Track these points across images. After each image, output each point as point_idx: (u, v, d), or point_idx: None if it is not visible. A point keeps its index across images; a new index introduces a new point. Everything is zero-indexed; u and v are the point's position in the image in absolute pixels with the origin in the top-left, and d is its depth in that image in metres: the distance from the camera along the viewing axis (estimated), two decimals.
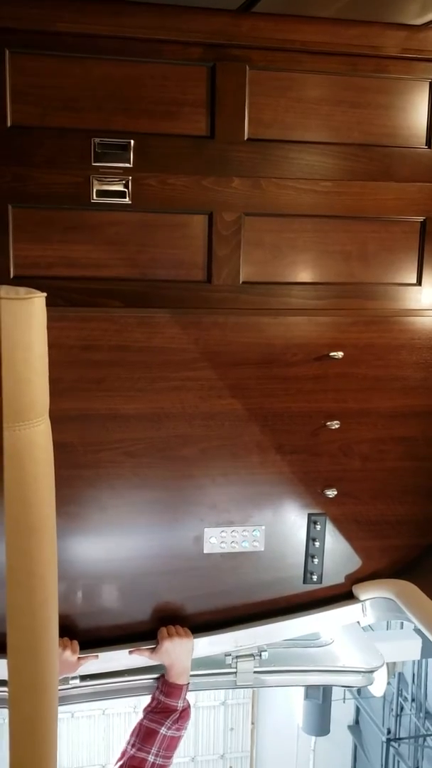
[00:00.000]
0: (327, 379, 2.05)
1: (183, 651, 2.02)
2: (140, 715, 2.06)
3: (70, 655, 1.95)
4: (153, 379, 1.95)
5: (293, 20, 1.85)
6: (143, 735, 1.99)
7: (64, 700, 2.05)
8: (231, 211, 1.92)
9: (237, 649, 2.17)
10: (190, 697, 2.14)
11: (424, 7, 1.82)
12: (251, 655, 2.20)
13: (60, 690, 1.82)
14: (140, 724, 2.02)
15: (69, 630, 2.00)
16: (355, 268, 2.02)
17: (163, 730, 1.99)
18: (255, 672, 2.22)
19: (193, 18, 1.80)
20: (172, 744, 2.01)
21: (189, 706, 2.07)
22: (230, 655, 2.20)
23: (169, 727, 2.01)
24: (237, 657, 2.20)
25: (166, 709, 2.03)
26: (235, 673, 2.21)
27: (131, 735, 2.02)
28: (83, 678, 2.05)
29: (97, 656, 2.01)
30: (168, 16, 1.79)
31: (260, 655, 2.21)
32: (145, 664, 2.05)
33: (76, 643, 1.98)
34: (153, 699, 2.07)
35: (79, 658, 1.97)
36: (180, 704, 2.04)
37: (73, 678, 2.03)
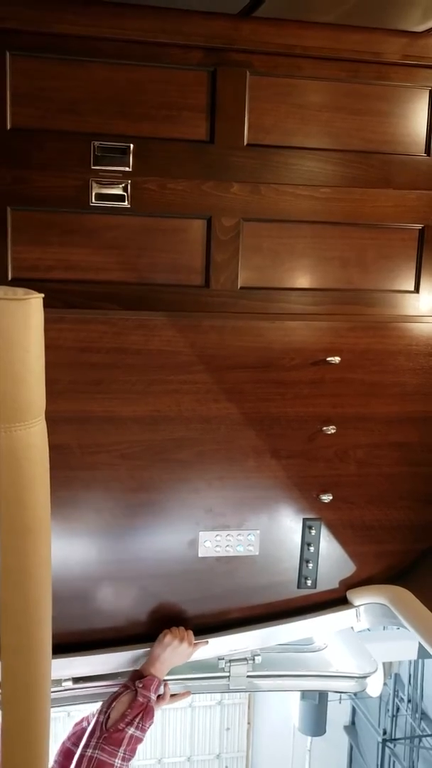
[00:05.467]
0: (324, 384, 2.06)
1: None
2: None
3: (187, 647, 2.00)
4: (150, 381, 1.96)
5: (294, 25, 1.85)
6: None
7: (58, 702, 2.05)
8: (230, 216, 1.92)
9: (231, 653, 2.17)
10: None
11: (425, 13, 1.82)
12: (244, 659, 2.20)
13: (53, 692, 1.82)
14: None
15: (61, 630, 2.00)
16: (353, 275, 2.02)
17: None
18: (248, 676, 2.22)
19: (195, 22, 1.80)
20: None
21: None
22: (223, 658, 2.19)
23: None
24: (230, 661, 2.20)
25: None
26: (228, 677, 2.21)
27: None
28: (77, 680, 2.05)
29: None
30: (169, 19, 1.79)
31: (253, 660, 2.21)
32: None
33: (190, 632, 2.04)
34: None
35: (195, 643, 2.03)
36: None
37: (66, 680, 2.04)
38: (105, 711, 1.87)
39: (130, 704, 1.87)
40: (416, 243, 2.04)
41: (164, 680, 2.02)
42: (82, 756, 1.78)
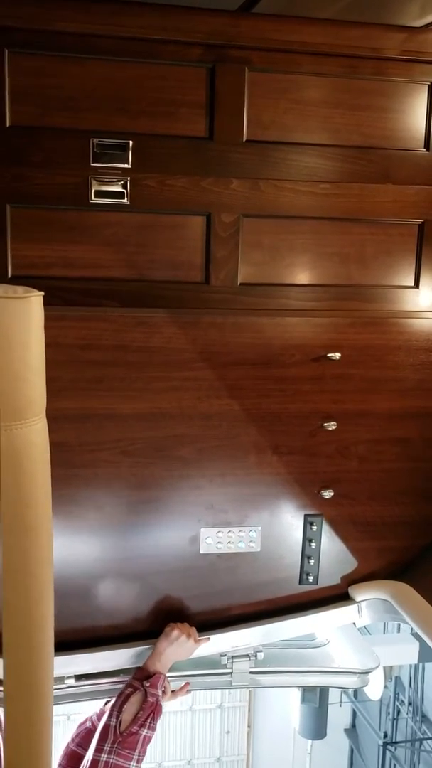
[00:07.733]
0: (324, 380, 2.06)
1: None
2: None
3: (192, 644, 2.00)
4: (151, 379, 1.96)
5: (293, 21, 1.86)
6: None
7: (60, 699, 2.05)
8: (229, 213, 1.92)
9: (233, 650, 2.16)
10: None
11: (423, 9, 1.83)
12: (247, 655, 2.20)
13: (56, 690, 1.81)
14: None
15: (63, 628, 1.99)
16: (353, 270, 2.02)
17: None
18: (250, 672, 2.22)
19: (193, 18, 1.81)
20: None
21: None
22: (226, 655, 2.19)
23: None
24: (232, 657, 2.19)
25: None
26: (231, 673, 2.21)
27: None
28: (78, 678, 2.05)
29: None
30: (168, 16, 1.79)
31: (256, 656, 2.21)
32: (140, 663, 2.05)
33: (194, 629, 2.04)
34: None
35: (198, 640, 2.03)
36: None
37: (69, 677, 2.03)
38: (117, 714, 1.85)
39: (141, 705, 1.87)
40: (416, 238, 2.04)
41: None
42: (95, 761, 1.76)
